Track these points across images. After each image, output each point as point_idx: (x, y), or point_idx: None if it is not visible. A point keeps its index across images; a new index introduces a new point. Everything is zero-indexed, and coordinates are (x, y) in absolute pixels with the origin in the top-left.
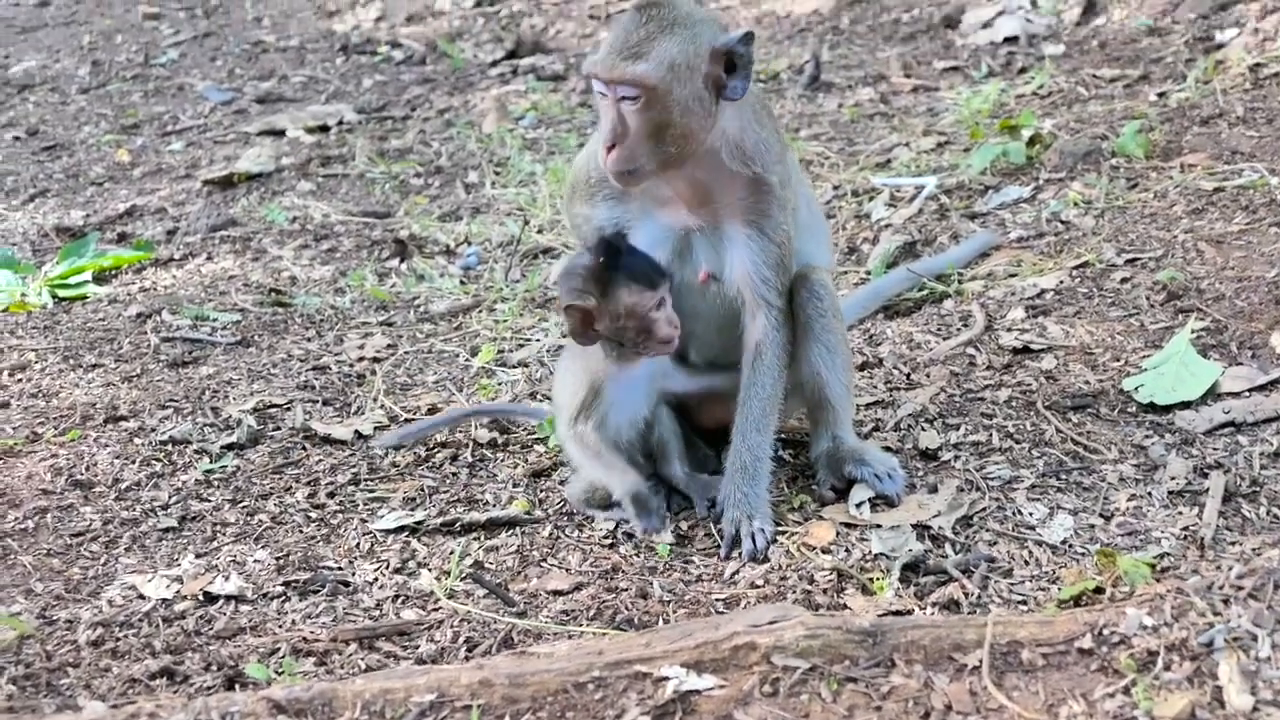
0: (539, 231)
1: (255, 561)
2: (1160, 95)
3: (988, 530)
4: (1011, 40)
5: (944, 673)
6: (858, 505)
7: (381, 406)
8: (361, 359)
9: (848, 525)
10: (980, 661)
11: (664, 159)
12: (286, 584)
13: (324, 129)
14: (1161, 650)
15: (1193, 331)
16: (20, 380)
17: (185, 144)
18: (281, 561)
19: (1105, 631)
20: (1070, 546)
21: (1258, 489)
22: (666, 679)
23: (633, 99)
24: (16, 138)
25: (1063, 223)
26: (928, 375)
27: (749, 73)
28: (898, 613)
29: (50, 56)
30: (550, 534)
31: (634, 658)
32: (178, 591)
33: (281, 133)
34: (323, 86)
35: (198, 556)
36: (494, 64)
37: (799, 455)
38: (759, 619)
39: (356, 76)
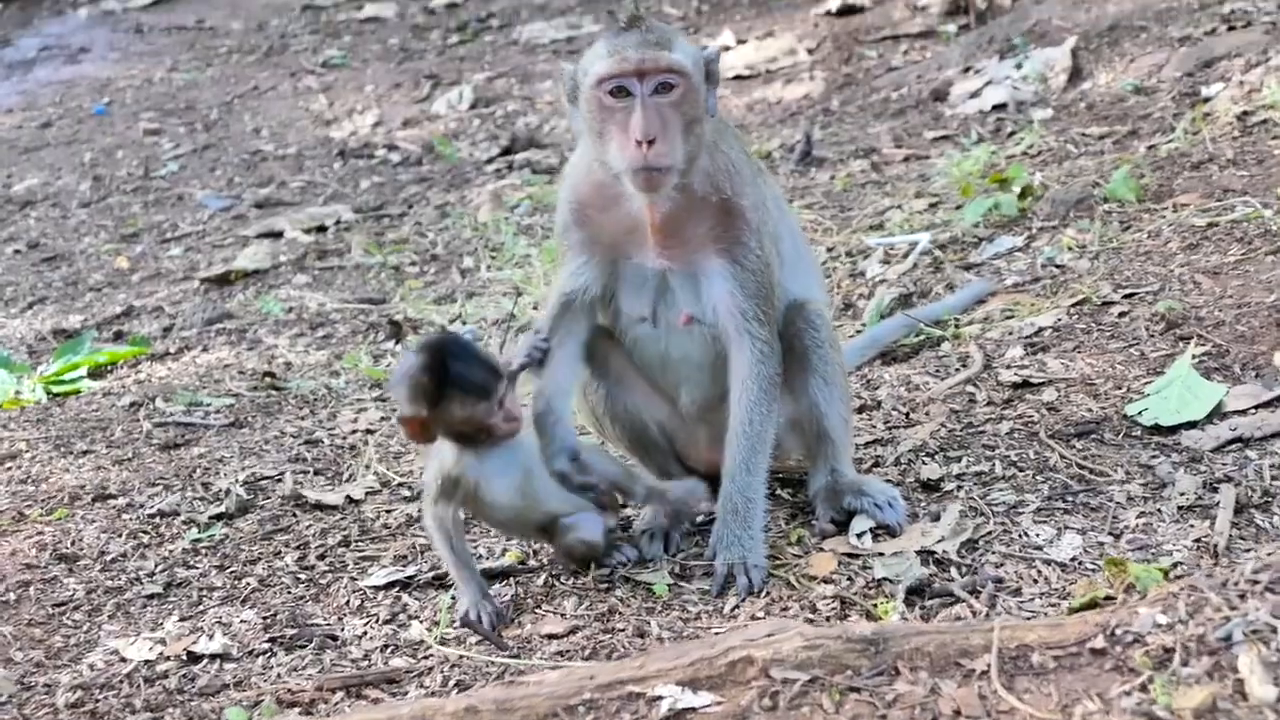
0: (534, 307)
1: (241, 622)
2: (1150, 148)
3: (994, 553)
4: (1000, 108)
5: (950, 679)
6: (858, 535)
7: (374, 473)
8: (354, 431)
9: (849, 555)
10: (988, 666)
11: (687, 162)
12: (272, 640)
13: (321, 229)
14: (1178, 646)
15: (1194, 357)
16: (9, 469)
17: (184, 249)
18: (268, 620)
19: (1118, 631)
20: (1080, 564)
21: (1270, 499)
22: (660, 698)
23: (668, 89)
24: (17, 251)
25: (1058, 267)
26: (927, 413)
27: (716, 90)
28: None
29: (52, 174)
30: (545, 582)
31: (626, 678)
32: (160, 653)
33: (280, 234)
34: (320, 190)
35: (182, 620)
36: (489, 161)
37: (797, 493)
38: (755, 634)
39: (354, 179)
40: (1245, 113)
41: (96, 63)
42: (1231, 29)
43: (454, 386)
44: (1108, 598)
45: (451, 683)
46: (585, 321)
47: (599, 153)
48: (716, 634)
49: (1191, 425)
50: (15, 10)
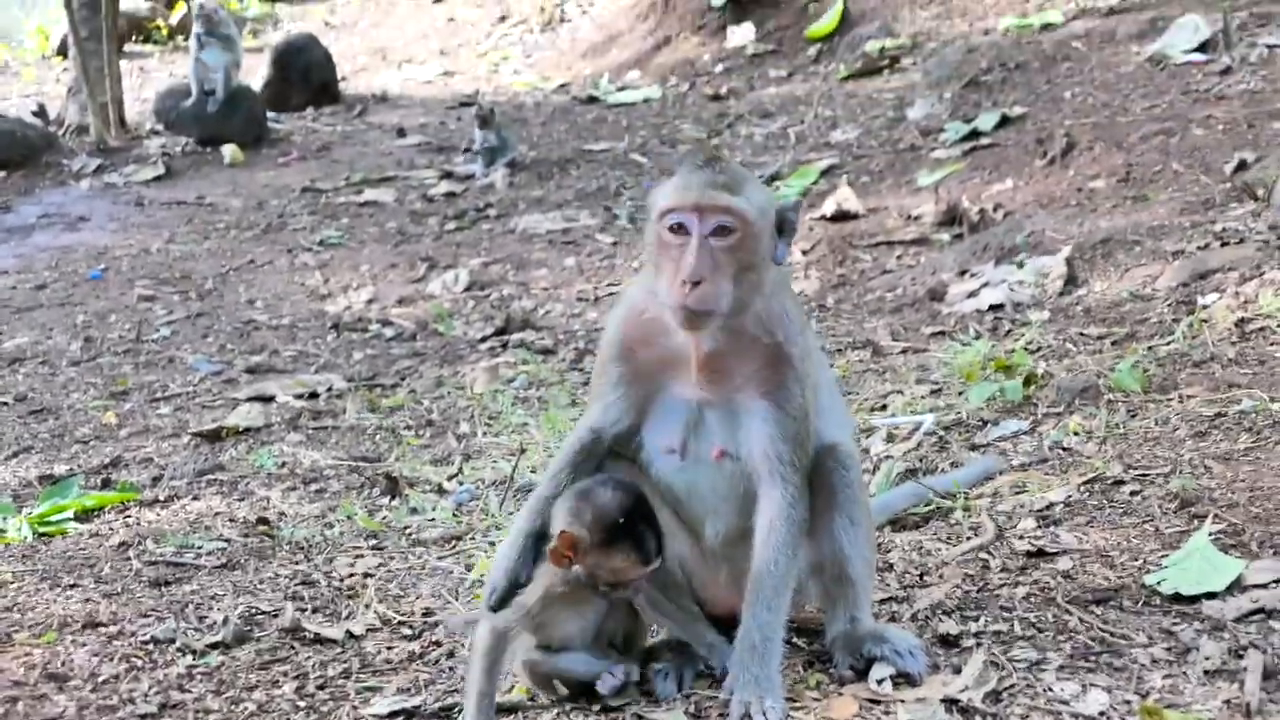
0: (533, 470)
1: None
2: (1150, 348)
3: (1019, 705)
4: (997, 308)
5: None
6: (879, 682)
7: (375, 612)
8: (352, 575)
9: (871, 700)
10: None
11: (736, 306)
12: None
13: (313, 395)
14: None
15: (1210, 534)
16: None
17: (173, 408)
18: None
19: None
20: (1108, 718)
21: None
22: None
23: (725, 233)
24: (3, 403)
25: (1065, 449)
26: (941, 576)
27: (791, 240)
28: None
29: (44, 333)
30: (555, 717)
31: None
32: None
33: (271, 398)
34: (313, 359)
35: None
36: (484, 339)
37: (812, 642)
38: None
39: (347, 351)
40: (1243, 319)
41: (95, 231)
42: (1224, 245)
43: (632, 538)
44: None
45: None
46: (596, 464)
47: (654, 282)
48: None
49: (1212, 596)
50: (19, 178)
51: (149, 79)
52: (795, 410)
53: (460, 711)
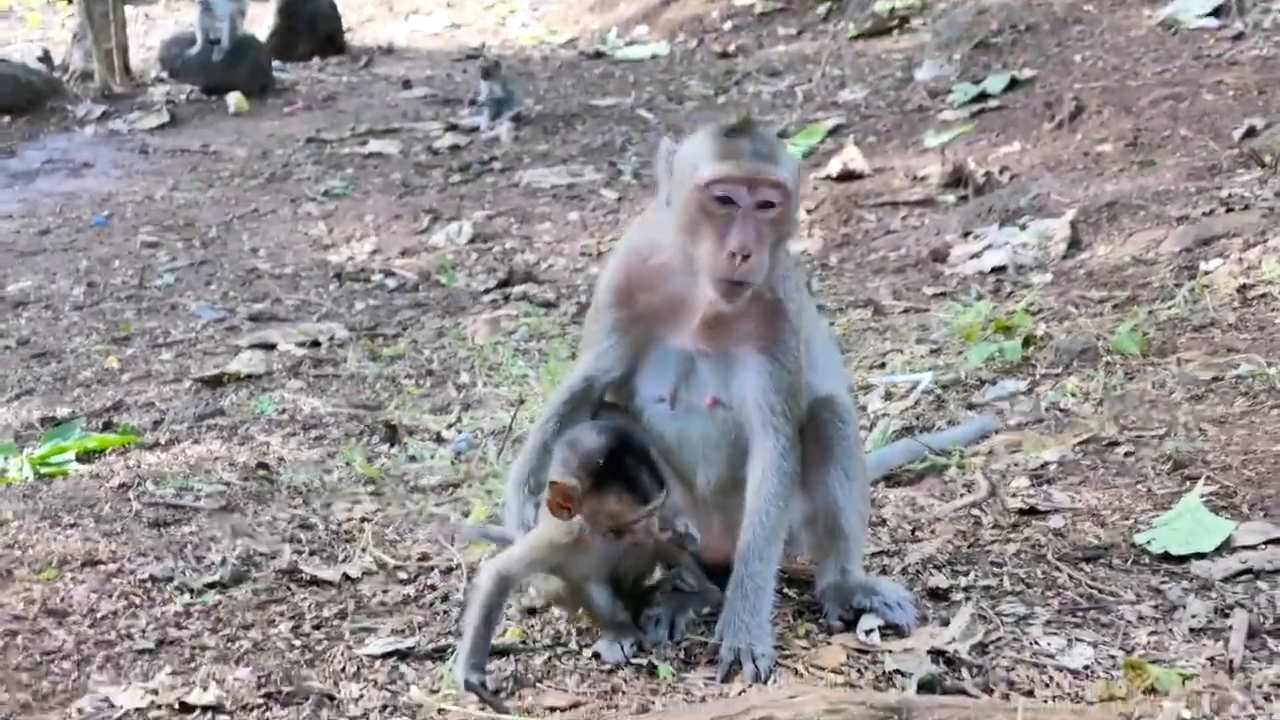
0: (531, 421)
1: (235, 679)
2: (1150, 312)
3: (1005, 657)
4: (999, 270)
5: None
6: (867, 632)
7: (371, 556)
8: (349, 519)
9: (859, 650)
10: None
11: (766, 275)
12: (267, 696)
13: (315, 344)
14: None
15: (1201, 495)
16: None
17: (175, 354)
18: (263, 679)
19: None
20: (1093, 672)
21: None
22: None
23: (771, 205)
24: (6, 347)
25: (1061, 410)
26: (933, 531)
27: None
28: None
29: (47, 278)
30: (546, 660)
31: None
32: (152, 701)
33: (273, 346)
34: (315, 308)
35: (174, 673)
36: (486, 291)
37: (803, 593)
38: (777, 695)
39: (349, 301)
40: (1245, 285)
41: (99, 178)
42: (1229, 211)
43: (620, 481)
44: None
45: None
46: (588, 413)
47: (683, 244)
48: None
49: (1201, 556)
50: (24, 124)
51: (154, 26)
52: (790, 363)
53: (453, 653)
